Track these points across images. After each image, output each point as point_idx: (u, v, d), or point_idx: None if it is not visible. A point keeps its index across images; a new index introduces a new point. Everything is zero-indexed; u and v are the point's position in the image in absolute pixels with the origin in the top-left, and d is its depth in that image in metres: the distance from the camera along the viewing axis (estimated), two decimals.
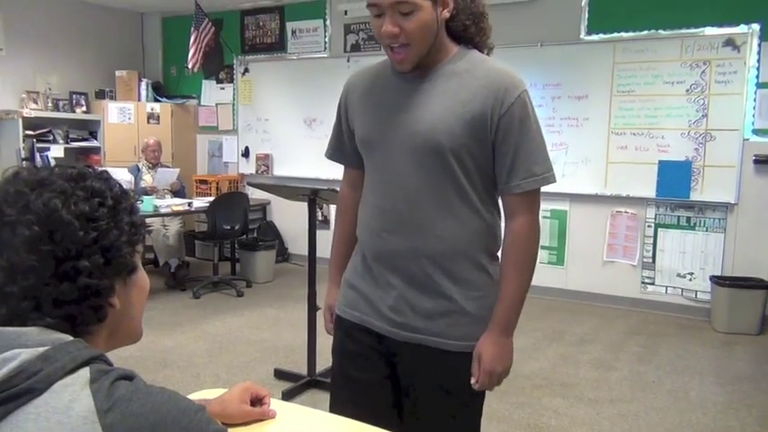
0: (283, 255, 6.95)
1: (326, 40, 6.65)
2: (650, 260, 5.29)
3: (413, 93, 1.51)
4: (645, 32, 5.11)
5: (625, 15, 5.17)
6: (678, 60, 5.01)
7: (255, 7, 7.03)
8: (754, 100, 4.80)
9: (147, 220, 5.58)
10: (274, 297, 5.55)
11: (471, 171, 1.49)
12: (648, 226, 5.28)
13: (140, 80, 7.39)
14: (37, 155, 6.31)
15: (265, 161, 7.10)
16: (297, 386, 3.54)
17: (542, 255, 5.62)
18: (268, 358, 4.01)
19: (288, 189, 4.07)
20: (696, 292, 5.12)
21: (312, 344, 3.56)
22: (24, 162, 6.07)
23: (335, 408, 1.62)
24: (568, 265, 5.59)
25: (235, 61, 7.23)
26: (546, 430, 3.16)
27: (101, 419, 0.76)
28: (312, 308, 3.53)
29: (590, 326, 4.87)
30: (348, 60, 6.47)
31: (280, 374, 3.73)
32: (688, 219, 5.13)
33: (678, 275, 5.19)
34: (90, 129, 7.06)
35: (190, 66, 6.65)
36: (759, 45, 4.76)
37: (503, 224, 1.58)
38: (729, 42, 4.84)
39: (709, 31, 4.89)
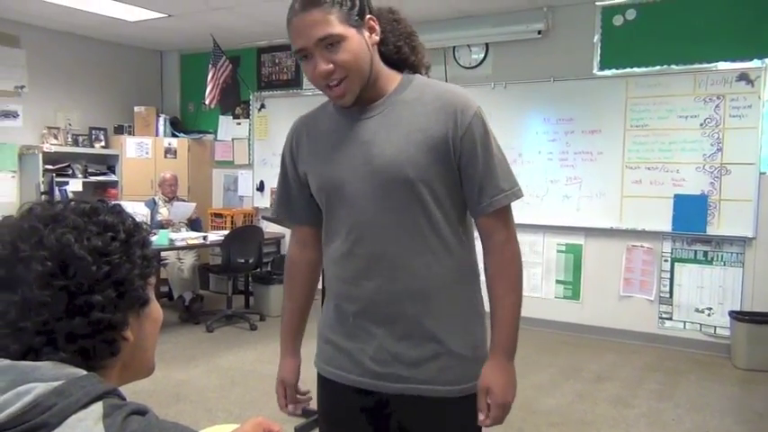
0: None
1: None
2: (667, 295, 5.22)
3: (366, 128, 1.43)
4: (657, 68, 5.14)
5: (637, 51, 5.21)
6: (692, 95, 5.02)
7: (272, 45, 7.16)
8: None
9: (163, 254, 5.62)
10: None
11: (442, 199, 1.42)
12: (665, 260, 5.22)
13: (158, 116, 7.52)
14: (56, 189, 6.41)
15: None
16: (309, 422, 3.49)
17: (558, 289, 5.57)
18: None
19: None
20: (715, 327, 5.03)
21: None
22: (43, 196, 6.17)
23: None
24: (584, 299, 5.53)
25: (251, 97, 7.34)
26: None
27: None
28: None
29: (607, 362, 4.80)
30: None
31: None
32: (705, 253, 5.07)
33: (696, 310, 5.11)
34: (108, 163, 7.17)
35: (207, 102, 6.76)
36: None
37: (479, 252, 1.51)
38: (743, 77, 4.85)
39: (723, 65, 4.91)
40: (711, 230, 4.98)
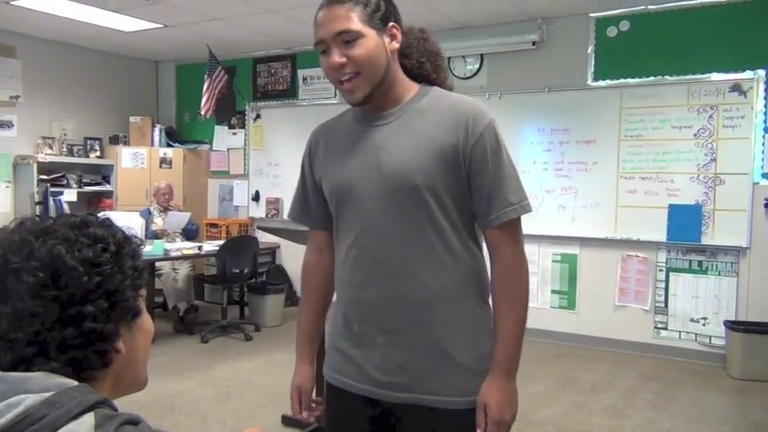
0: (292, 299, 6.92)
1: None
2: (663, 305, 5.22)
3: (379, 134, 1.46)
4: (651, 78, 5.17)
5: (631, 62, 5.24)
6: (685, 105, 5.05)
7: (268, 55, 7.19)
8: (763, 144, 4.81)
9: (157, 264, 5.61)
10: (283, 341, 5.51)
11: (450, 209, 1.42)
12: (660, 270, 5.23)
13: (154, 126, 7.52)
14: (50, 199, 6.39)
15: (275, 205, 7.15)
16: None
17: (553, 299, 5.58)
18: (276, 404, 3.96)
19: (297, 233, 4.07)
20: (710, 337, 5.04)
21: (321, 391, 3.50)
22: (38, 206, 6.15)
23: None
24: (579, 309, 5.53)
25: (247, 107, 7.35)
26: None
27: None
28: (321, 353, 3.49)
29: (602, 372, 4.79)
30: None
31: (287, 421, 3.67)
32: (700, 263, 5.09)
33: (691, 320, 5.12)
34: (103, 173, 7.16)
35: (203, 112, 6.76)
36: (766, 90, 4.79)
37: (488, 263, 1.50)
38: (736, 88, 4.88)
39: (716, 76, 4.94)
40: (706, 240, 5.00)
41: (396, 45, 1.44)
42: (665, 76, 5.12)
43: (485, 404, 1.41)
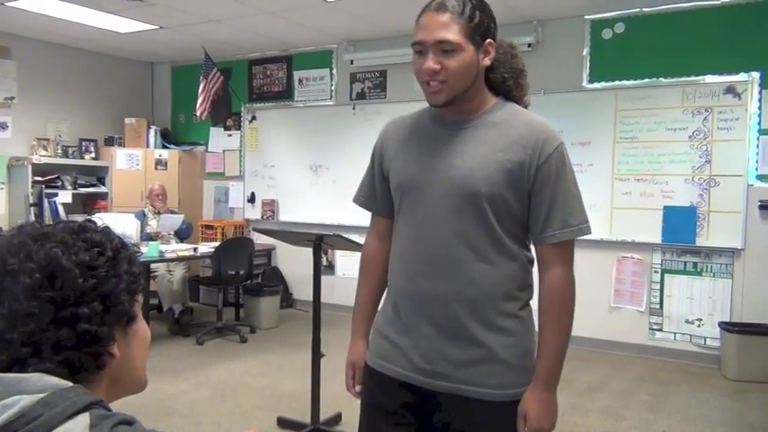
0: (288, 300, 6.92)
1: (333, 88, 6.76)
2: (658, 306, 5.24)
3: (452, 139, 1.53)
4: (646, 80, 5.19)
5: (626, 64, 5.26)
6: (680, 107, 5.07)
7: (263, 57, 7.18)
8: (757, 146, 4.83)
9: (152, 266, 5.59)
10: (278, 343, 5.50)
11: (506, 218, 1.49)
12: (655, 271, 5.24)
13: (149, 127, 7.51)
14: (45, 201, 6.37)
15: (271, 207, 7.15)
16: None
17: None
18: (271, 406, 3.95)
19: (293, 235, 4.08)
20: (705, 338, 5.05)
21: (316, 392, 3.51)
22: (32, 207, 6.13)
23: None
24: (575, 311, 5.52)
25: (242, 109, 7.35)
26: None
27: None
28: (316, 355, 3.50)
29: (598, 373, 4.80)
30: (354, 108, 6.57)
31: (283, 423, 3.67)
32: (695, 264, 5.10)
33: (686, 321, 5.13)
34: (98, 175, 7.15)
35: (198, 113, 6.76)
36: (760, 93, 4.81)
37: (535, 270, 1.57)
38: (730, 90, 4.90)
39: (710, 78, 4.96)
40: (701, 242, 5.01)
41: (487, 62, 1.50)
42: (660, 78, 5.14)
43: (525, 413, 1.49)
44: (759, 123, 4.82)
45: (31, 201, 6.29)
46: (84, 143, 7.10)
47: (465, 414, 1.51)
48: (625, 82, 5.27)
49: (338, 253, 6.59)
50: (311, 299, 3.64)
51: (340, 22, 5.82)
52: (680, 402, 4.20)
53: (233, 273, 5.72)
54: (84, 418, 0.79)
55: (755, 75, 4.82)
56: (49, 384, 0.80)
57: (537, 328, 1.56)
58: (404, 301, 1.58)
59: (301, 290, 6.82)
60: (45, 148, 6.75)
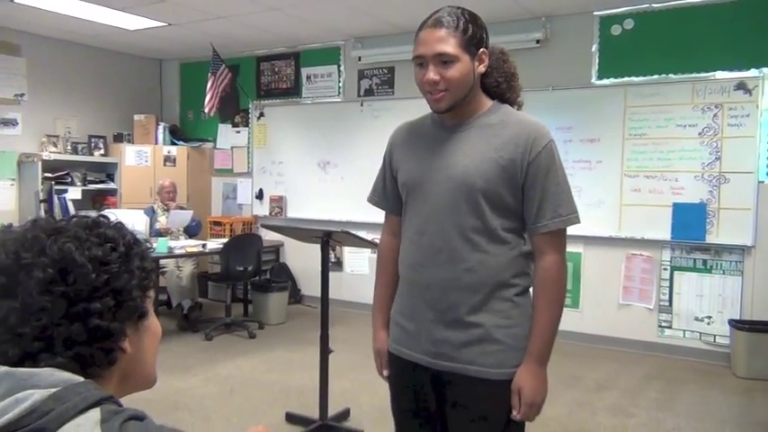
0: (296, 296, 6.94)
1: (340, 85, 6.76)
2: (667, 303, 5.21)
3: (451, 141, 1.69)
4: (656, 77, 5.16)
5: (635, 60, 5.23)
6: (690, 104, 5.03)
7: (271, 53, 7.19)
8: None
9: (161, 262, 5.61)
10: (286, 339, 5.52)
11: (502, 210, 1.64)
12: (664, 269, 5.22)
13: (158, 124, 7.53)
14: (55, 197, 6.41)
15: (279, 203, 7.16)
16: (309, 430, 3.48)
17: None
18: (279, 401, 3.97)
19: (301, 231, 4.09)
20: (715, 336, 5.03)
21: (324, 387, 3.52)
22: (42, 204, 6.17)
23: None
24: (584, 308, 5.52)
25: (250, 106, 7.36)
26: None
27: None
28: (324, 350, 3.51)
29: (607, 370, 4.79)
30: (361, 105, 6.56)
31: (291, 418, 3.68)
32: (704, 261, 5.07)
33: (696, 319, 5.11)
34: (107, 171, 7.18)
35: (206, 110, 6.77)
36: None
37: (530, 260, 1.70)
38: (741, 86, 4.86)
39: (721, 75, 4.92)
40: (710, 239, 4.98)
41: (482, 69, 1.66)
42: (670, 75, 5.11)
43: (519, 388, 1.62)
44: None
45: (41, 197, 6.33)
46: (93, 140, 7.13)
47: (467, 391, 1.66)
48: (634, 78, 5.25)
49: (346, 249, 6.59)
50: (319, 295, 3.65)
51: (347, 19, 5.82)
52: (689, 400, 4.18)
53: (241, 269, 5.74)
54: (95, 414, 0.79)
55: (766, 71, 4.78)
56: (60, 379, 0.81)
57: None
58: (410, 290, 1.74)
59: (309, 286, 6.84)
60: (55, 145, 6.79)
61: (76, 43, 7.03)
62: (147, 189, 7.00)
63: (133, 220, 5.25)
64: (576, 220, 1.66)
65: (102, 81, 7.37)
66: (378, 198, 1.91)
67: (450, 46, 1.57)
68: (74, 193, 6.65)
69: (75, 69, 7.09)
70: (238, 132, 7.49)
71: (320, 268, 3.61)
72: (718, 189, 4.96)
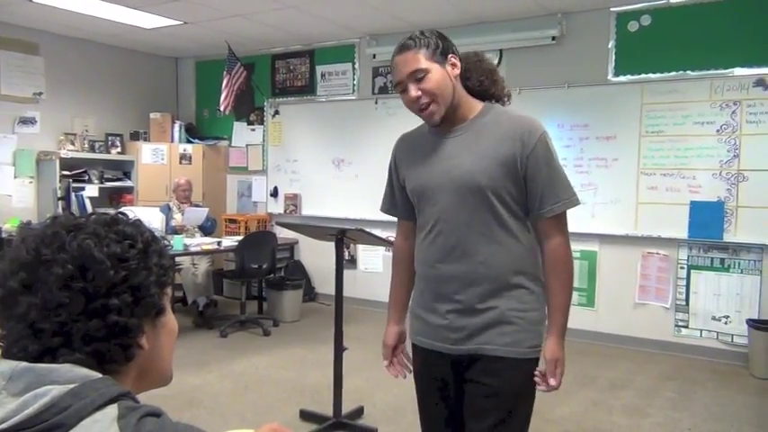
0: (310, 294, 6.96)
1: (355, 82, 6.76)
2: (684, 302, 5.17)
3: (450, 145, 1.81)
4: (673, 73, 5.11)
5: (652, 57, 5.18)
6: (708, 101, 4.98)
7: (286, 51, 7.21)
8: None
9: (177, 259, 5.65)
10: (301, 336, 5.54)
11: (509, 204, 1.76)
12: (681, 267, 5.17)
13: (174, 122, 7.58)
14: (72, 194, 6.47)
15: (294, 201, 7.18)
16: (322, 428, 3.50)
17: (573, 296, 5.53)
18: (294, 399, 3.98)
19: (315, 229, 4.10)
20: (732, 335, 4.97)
21: (338, 385, 3.52)
22: (60, 201, 6.23)
23: (422, 423, 1.99)
24: (599, 307, 5.49)
25: (265, 104, 7.38)
26: None
27: None
28: (338, 348, 3.51)
29: (622, 370, 4.75)
30: (376, 102, 6.56)
31: (305, 416, 3.69)
32: (722, 260, 5.02)
33: (713, 318, 5.05)
34: (124, 169, 7.24)
35: (222, 108, 6.80)
36: None
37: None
38: (760, 82, 4.80)
39: (739, 71, 4.86)
40: (728, 237, 4.93)
41: (457, 71, 1.78)
42: (687, 71, 5.06)
43: (556, 359, 1.78)
44: None
45: (59, 194, 6.39)
46: (110, 138, 7.19)
47: (483, 369, 1.78)
48: (651, 75, 5.20)
49: (360, 247, 6.60)
50: (333, 293, 3.65)
51: (362, 16, 5.81)
52: (706, 400, 4.14)
53: (256, 266, 5.77)
54: (113, 410, 0.80)
55: None
56: (79, 375, 0.82)
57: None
58: (428, 285, 1.87)
59: (324, 284, 6.85)
60: (72, 143, 6.85)
61: (94, 42, 7.09)
62: (162, 187, 7.05)
63: (149, 217, 5.29)
64: (577, 202, 1.79)
65: (119, 79, 7.43)
66: (388, 207, 2.06)
67: (419, 62, 1.71)
68: (91, 190, 6.71)
69: (92, 68, 7.16)
70: (253, 130, 7.52)
71: (334, 266, 3.61)
72: (736, 187, 4.90)
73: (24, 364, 0.82)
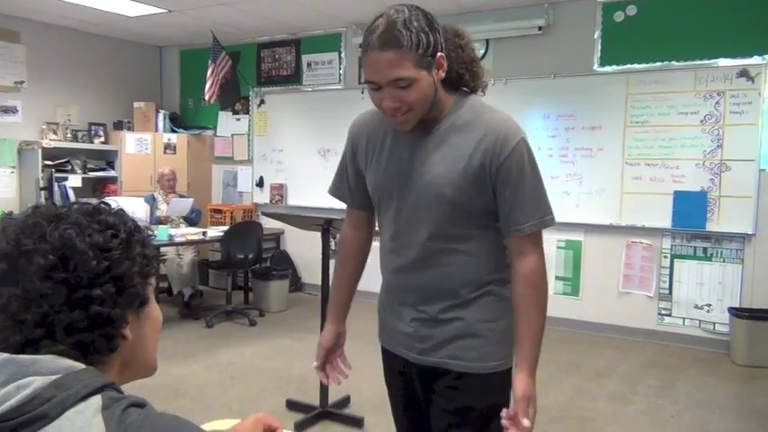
0: (297, 284, 6.95)
1: (341, 72, 6.73)
2: (667, 291, 5.22)
3: (419, 148, 1.58)
4: (658, 64, 5.13)
5: (638, 47, 5.20)
6: (692, 91, 5.01)
7: (272, 40, 7.15)
8: None
9: (162, 249, 5.62)
10: (287, 327, 5.54)
11: (475, 215, 1.58)
12: (664, 257, 5.22)
13: (158, 111, 7.51)
14: (55, 184, 6.40)
15: (280, 191, 7.15)
16: (309, 417, 3.50)
17: (557, 285, 5.58)
18: (280, 389, 3.98)
19: (301, 219, 4.08)
20: (714, 323, 5.04)
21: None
22: (42, 191, 6.17)
23: (396, 425, 1.86)
24: (583, 296, 5.53)
25: (251, 93, 7.33)
26: None
27: None
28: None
29: (606, 358, 4.80)
30: (362, 92, 6.53)
31: (292, 405, 3.70)
32: (705, 249, 5.08)
33: (695, 307, 5.11)
34: (107, 159, 7.17)
35: (207, 97, 6.75)
36: None
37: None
38: (743, 73, 4.84)
39: (723, 62, 4.90)
40: (711, 227, 4.98)
41: (443, 74, 1.50)
42: (672, 62, 5.08)
43: (529, 396, 1.53)
44: None
45: (42, 185, 6.33)
46: (93, 127, 7.11)
47: (451, 384, 1.63)
48: (637, 65, 5.22)
49: None
50: (320, 283, 3.65)
51: (348, 5, 5.78)
52: (688, 387, 4.20)
53: (242, 256, 5.75)
54: (97, 400, 0.79)
55: None
56: (62, 366, 0.81)
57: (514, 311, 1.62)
58: (392, 292, 1.72)
59: (310, 274, 6.84)
60: (55, 133, 6.77)
61: (76, 30, 6.99)
62: (147, 177, 7.00)
63: (133, 207, 5.25)
64: (552, 222, 1.57)
65: (102, 68, 7.34)
66: (338, 190, 1.82)
67: (405, 69, 1.41)
68: (74, 180, 6.65)
69: (74, 56, 7.06)
70: (239, 120, 7.47)
71: (321, 256, 3.61)
72: (719, 177, 4.95)
73: (6, 355, 0.81)
